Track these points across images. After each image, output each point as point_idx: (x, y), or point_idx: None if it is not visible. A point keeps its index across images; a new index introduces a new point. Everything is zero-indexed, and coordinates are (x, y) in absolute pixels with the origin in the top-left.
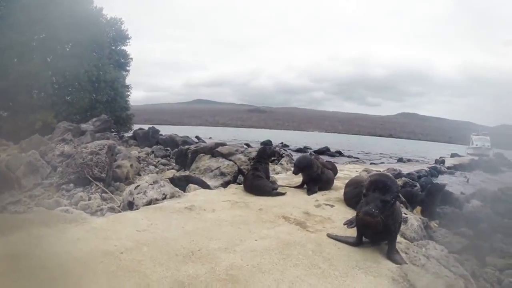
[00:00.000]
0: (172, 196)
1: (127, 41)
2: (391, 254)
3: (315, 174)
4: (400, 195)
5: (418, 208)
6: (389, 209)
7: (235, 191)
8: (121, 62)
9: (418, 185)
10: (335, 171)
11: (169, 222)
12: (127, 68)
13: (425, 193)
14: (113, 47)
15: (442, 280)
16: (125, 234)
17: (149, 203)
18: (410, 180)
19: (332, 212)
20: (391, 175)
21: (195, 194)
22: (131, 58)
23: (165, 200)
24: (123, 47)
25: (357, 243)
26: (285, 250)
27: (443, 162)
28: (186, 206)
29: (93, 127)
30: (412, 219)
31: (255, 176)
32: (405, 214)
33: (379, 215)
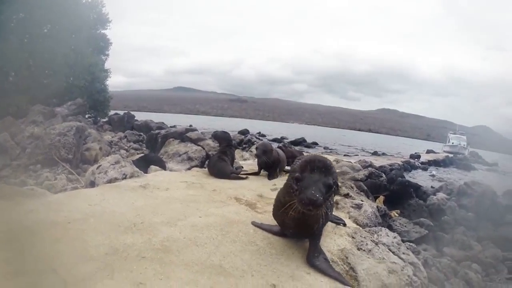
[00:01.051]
0: (131, 176)
1: (108, 24)
2: (311, 258)
3: (271, 160)
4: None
5: (381, 198)
6: (330, 197)
7: (196, 174)
8: (101, 46)
9: (384, 175)
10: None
11: (121, 198)
12: (107, 52)
13: (392, 185)
14: (93, 31)
15: (384, 265)
16: (76, 207)
17: (109, 182)
18: (376, 171)
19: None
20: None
21: (154, 175)
22: (111, 43)
23: (124, 180)
24: (103, 31)
25: (282, 233)
26: (226, 227)
27: (418, 157)
28: (141, 185)
29: (67, 111)
30: (367, 205)
31: (218, 159)
32: (362, 201)
33: (323, 202)
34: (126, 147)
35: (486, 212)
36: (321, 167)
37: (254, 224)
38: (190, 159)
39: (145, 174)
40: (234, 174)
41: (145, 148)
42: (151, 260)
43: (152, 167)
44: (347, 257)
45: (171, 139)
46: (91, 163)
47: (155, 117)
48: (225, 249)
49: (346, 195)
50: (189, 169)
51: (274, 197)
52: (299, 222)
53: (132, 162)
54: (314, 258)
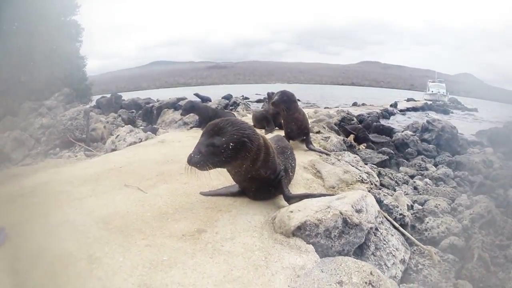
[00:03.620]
0: (146, 138)
1: (77, 10)
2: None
3: (293, 116)
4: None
5: (351, 136)
6: (222, 156)
7: (196, 131)
8: (73, 33)
9: (355, 119)
10: None
11: (148, 150)
12: (79, 39)
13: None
14: (63, 18)
15: (341, 168)
16: (118, 160)
17: (130, 145)
18: (348, 115)
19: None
20: (239, 120)
21: (165, 135)
22: (83, 28)
23: (141, 142)
24: (73, 17)
25: (240, 192)
26: None
27: (395, 105)
28: (159, 141)
29: (56, 102)
30: (333, 137)
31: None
32: (329, 135)
33: (201, 162)
34: (123, 124)
35: (446, 143)
36: (209, 129)
37: (203, 193)
38: (185, 123)
39: (157, 135)
40: None
41: (141, 122)
42: (187, 174)
43: (160, 129)
44: (314, 165)
45: (165, 109)
46: (99, 141)
47: (136, 95)
48: None
49: (318, 132)
50: (189, 129)
51: None
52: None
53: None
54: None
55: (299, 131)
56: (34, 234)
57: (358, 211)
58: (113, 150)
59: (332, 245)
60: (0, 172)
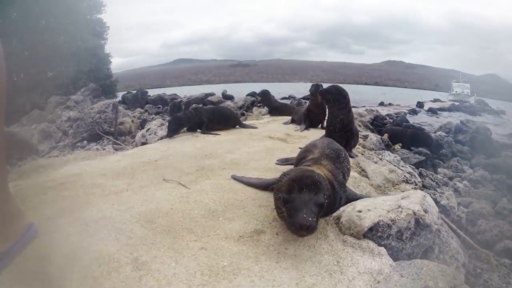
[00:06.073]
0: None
1: (102, 8)
2: None
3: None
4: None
5: (386, 135)
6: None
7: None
8: (98, 31)
9: (387, 118)
10: None
11: (182, 144)
12: (105, 36)
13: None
14: (88, 17)
15: (386, 167)
16: (152, 153)
17: (161, 139)
18: (381, 115)
19: (308, 133)
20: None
21: None
22: (108, 27)
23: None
24: (98, 16)
25: (268, 186)
26: (270, 151)
27: (422, 105)
28: (193, 134)
29: (82, 97)
30: (372, 136)
31: None
32: (367, 134)
33: (316, 225)
34: (150, 119)
35: (480, 145)
36: (309, 184)
37: (234, 177)
38: None
39: None
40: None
41: (168, 117)
42: (230, 169)
43: None
44: (359, 163)
45: (193, 104)
46: (127, 134)
47: (160, 92)
48: (273, 161)
49: None
50: None
51: (298, 134)
52: None
53: None
54: None
55: (341, 132)
56: (67, 231)
57: (425, 211)
58: (143, 143)
59: (403, 248)
60: (27, 164)
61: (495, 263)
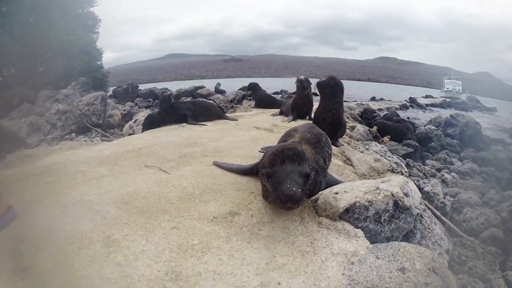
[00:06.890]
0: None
1: (94, 1)
2: None
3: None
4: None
5: (375, 127)
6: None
7: None
8: (90, 25)
9: (377, 112)
10: None
11: (168, 134)
12: (96, 30)
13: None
14: (80, 10)
15: (372, 156)
16: (137, 143)
17: None
18: (370, 108)
19: (296, 124)
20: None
21: None
22: (100, 20)
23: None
24: (90, 9)
25: (252, 172)
26: (254, 140)
27: (414, 101)
28: (179, 125)
29: (73, 91)
30: (359, 126)
31: None
32: (355, 125)
33: (302, 195)
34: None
35: (470, 139)
36: (291, 155)
37: (216, 164)
38: None
39: None
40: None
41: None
42: (212, 156)
43: None
44: (344, 152)
45: (183, 98)
46: (115, 127)
47: (152, 87)
48: (256, 147)
49: None
50: None
51: (285, 125)
52: None
53: None
54: None
55: (330, 126)
56: (45, 213)
57: (406, 194)
58: (131, 134)
59: (381, 231)
60: (13, 154)
61: (481, 250)
